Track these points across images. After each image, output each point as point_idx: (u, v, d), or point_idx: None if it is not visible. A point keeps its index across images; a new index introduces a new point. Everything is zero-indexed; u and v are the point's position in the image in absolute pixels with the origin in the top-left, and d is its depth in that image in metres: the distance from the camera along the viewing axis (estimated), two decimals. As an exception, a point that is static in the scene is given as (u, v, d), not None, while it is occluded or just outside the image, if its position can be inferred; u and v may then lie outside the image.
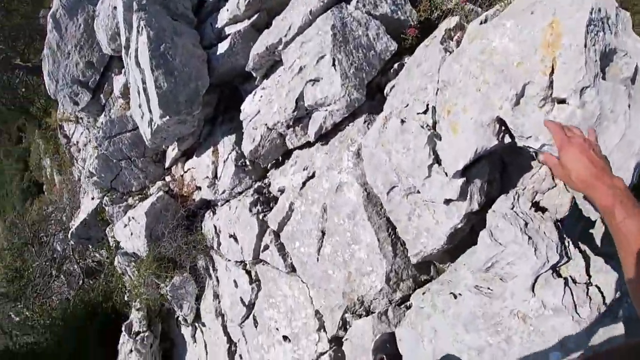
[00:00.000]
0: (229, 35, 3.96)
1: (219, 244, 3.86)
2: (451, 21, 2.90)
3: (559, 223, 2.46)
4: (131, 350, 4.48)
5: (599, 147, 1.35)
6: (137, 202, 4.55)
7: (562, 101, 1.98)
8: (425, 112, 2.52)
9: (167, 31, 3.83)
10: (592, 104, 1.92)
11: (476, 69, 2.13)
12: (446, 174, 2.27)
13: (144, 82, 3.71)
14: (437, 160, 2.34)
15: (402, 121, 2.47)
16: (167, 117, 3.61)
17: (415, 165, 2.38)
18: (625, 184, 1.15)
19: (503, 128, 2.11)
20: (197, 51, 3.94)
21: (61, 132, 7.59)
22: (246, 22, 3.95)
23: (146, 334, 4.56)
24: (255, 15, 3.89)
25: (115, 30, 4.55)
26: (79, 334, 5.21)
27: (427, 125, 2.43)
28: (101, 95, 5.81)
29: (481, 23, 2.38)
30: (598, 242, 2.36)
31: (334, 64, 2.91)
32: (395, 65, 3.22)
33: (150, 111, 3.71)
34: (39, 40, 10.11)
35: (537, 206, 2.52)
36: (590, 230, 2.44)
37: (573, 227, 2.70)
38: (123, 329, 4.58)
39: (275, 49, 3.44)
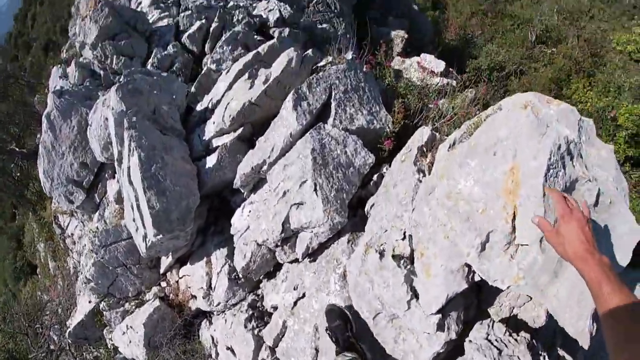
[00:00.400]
0: (216, 148, 4.21)
1: (217, 354, 3.92)
2: (423, 135, 3.13)
3: (534, 340, 2.60)
4: None
5: (590, 223, 1.45)
6: (133, 307, 4.62)
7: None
8: (403, 239, 2.71)
9: (157, 149, 4.06)
10: (552, 250, 2.10)
11: (444, 217, 2.32)
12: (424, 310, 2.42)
13: (137, 200, 3.89)
14: (416, 294, 2.49)
15: (381, 255, 2.64)
16: (161, 235, 3.76)
17: (395, 299, 2.53)
18: (610, 263, 1.26)
19: (472, 270, 2.29)
20: (187, 166, 4.16)
21: (56, 223, 7.72)
22: (232, 135, 4.21)
23: None
24: (240, 129, 4.15)
25: (107, 140, 4.80)
26: None
27: (404, 257, 2.61)
28: (95, 195, 6.00)
29: (449, 148, 2.60)
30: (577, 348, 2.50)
31: (315, 189, 3.12)
32: (375, 177, 3.44)
33: (144, 227, 3.86)
34: (34, 126, 10.41)
35: (515, 320, 2.67)
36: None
37: (551, 336, 2.85)
38: None
39: (260, 169, 3.67)
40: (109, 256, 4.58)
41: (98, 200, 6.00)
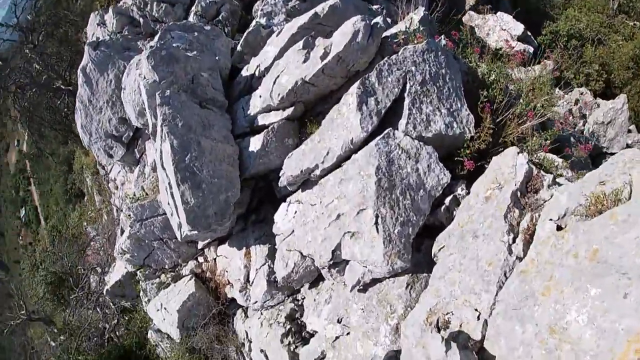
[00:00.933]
0: (262, 127, 3.63)
1: (250, 350, 3.69)
2: (517, 168, 2.42)
3: None
4: None
5: None
6: (169, 280, 4.44)
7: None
8: (476, 319, 2.13)
9: (194, 130, 3.53)
10: None
11: (540, 356, 1.69)
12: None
13: (170, 187, 3.46)
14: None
15: (447, 343, 2.04)
16: (196, 231, 3.37)
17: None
18: None
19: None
20: (228, 149, 3.62)
21: (100, 164, 7.60)
22: (280, 114, 3.58)
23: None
24: (291, 108, 3.51)
25: (142, 106, 4.28)
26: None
27: (472, 341, 2.05)
28: (135, 150, 5.66)
29: (559, 228, 1.93)
30: None
31: (376, 222, 2.54)
32: (447, 201, 2.77)
33: (178, 216, 3.47)
34: (79, 63, 10.08)
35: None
36: None
37: None
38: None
39: (310, 172, 3.09)
40: (145, 230, 4.30)
41: (138, 156, 5.67)
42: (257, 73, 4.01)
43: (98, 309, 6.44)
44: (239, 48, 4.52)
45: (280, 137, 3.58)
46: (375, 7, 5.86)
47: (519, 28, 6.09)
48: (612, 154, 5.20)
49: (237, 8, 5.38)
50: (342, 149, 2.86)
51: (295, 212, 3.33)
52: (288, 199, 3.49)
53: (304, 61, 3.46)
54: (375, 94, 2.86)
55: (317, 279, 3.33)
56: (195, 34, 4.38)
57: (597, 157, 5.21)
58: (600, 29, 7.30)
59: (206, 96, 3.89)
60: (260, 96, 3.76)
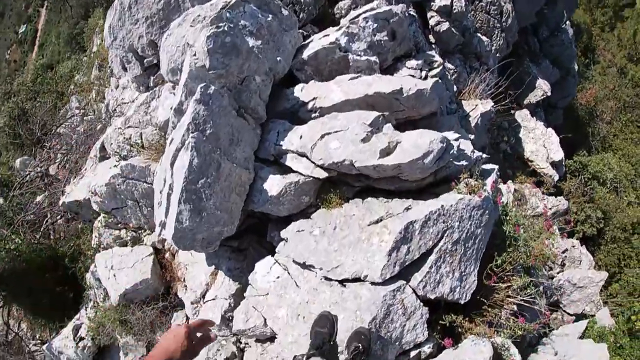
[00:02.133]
0: (287, 167, 3.29)
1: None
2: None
3: None
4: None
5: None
6: (128, 239, 4.15)
7: None
8: None
9: (220, 145, 3.13)
10: None
11: None
12: None
13: (168, 194, 3.10)
14: None
15: None
16: (175, 245, 3.09)
17: None
18: None
19: None
20: (244, 175, 3.26)
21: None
22: (312, 169, 3.24)
23: (88, 344, 4.48)
24: (327, 173, 3.18)
25: (178, 66, 3.71)
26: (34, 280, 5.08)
27: None
28: (152, 77, 5.05)
29: None
30: None
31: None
32: (411, 354, 2.69)
33: (164, 224, 3.16)
34: None
35: None
36: None
37: None
38: (71, 327, 4.48)
39: (309, 267, 2.86)
40: (124, 187, 3.93)
41: (152, 84, 5.09)
42: (310, 105, 3.55)
43: (47, 195, 6.02)
44: (304, 55, 3.95)
45: (299, 193, 3.27)
46: (449, 66, 5.35)
47: (558, 155, 5.84)
48: (566, 312, 5.33)
49: (321, -4, 4.67)
50: (352, 276, 2.64)
51: (278, 277, 3.13)
52: (276, 255, 3.27)
53: (363, 140, 3.08)
54: (411, 242, 2.61)
55: (269, 339, 3.23)
56: (270, 17, 3.76)
57: (551, 305, 5.32)
58: (623, 180, 7.21)
59: (248, 104, 3.42)
60: (301, 137, 3.36)
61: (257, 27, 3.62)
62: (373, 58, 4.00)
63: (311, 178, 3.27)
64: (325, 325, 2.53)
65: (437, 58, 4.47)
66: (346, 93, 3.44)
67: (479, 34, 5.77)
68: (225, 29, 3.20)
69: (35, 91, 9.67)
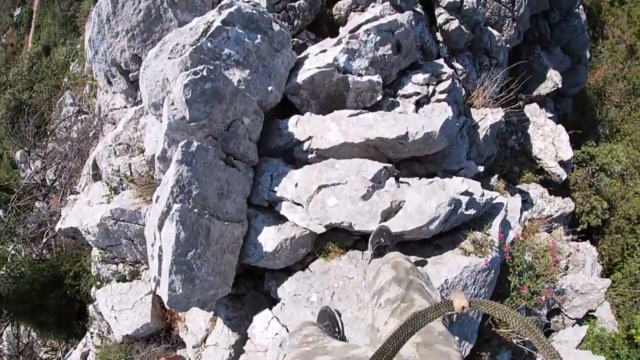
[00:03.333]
0: (282, 216, 2.84)
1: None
2: None
3: None
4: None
5: None
6: (126, 273, 3.81)
7: None
8: None
9: (208, 205, 2.67)
10: None
11: None
12: None
13: (160, 251, 2.69)
14: None
15: None
16: (175, 309, 2.74)
17: None
18: None
19: None
20: (237, 230, 2.83)
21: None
22: (307, 222, 2.80)
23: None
24: (324, 229, 2.73)
25: (159, 102, 3.15)
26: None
27: None
28: (139, 91, 4.45)
29: None
30: None
31: None
32: None
33: (159, 280, 2.77)
34: None
35: None
36: None
37: None
38: (79, 353, 4.29)
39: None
40: (116, 228, 3.52)
41: (140, 99, 4.50)
42: (305, 145, 3.03)
43: (45, 204, 5.62)
44: (299, 79, 3.33)
45: (296, 246, 2.85)
46: (458, 66, 4.67)
47: (567, 154, 5.28)
48: (567, 316, 5.06)
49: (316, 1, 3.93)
50: None
51: (276, 334, 2.79)
52: (273, 309, 2.91)
53: (363, 197, 2.60)
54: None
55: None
56: (258, 39, 3.14)
57: (551, 312, 5.05)
58: (630, 168, 6.64)
59: (237, 150, 2.91)
60: (297, 185, 2.88)
61: (244, 54, 3.02)
62: (375, 78, 3.39)
63: (308, 231, 2.83)
64: (325, 319, 2.36)
65: (446, 69, 3.83)
66: (345, 134, 2.90)
67: (489, 28, 5.00)
68: (205, 73, 2.61)
69: (31, 80, 8.99)
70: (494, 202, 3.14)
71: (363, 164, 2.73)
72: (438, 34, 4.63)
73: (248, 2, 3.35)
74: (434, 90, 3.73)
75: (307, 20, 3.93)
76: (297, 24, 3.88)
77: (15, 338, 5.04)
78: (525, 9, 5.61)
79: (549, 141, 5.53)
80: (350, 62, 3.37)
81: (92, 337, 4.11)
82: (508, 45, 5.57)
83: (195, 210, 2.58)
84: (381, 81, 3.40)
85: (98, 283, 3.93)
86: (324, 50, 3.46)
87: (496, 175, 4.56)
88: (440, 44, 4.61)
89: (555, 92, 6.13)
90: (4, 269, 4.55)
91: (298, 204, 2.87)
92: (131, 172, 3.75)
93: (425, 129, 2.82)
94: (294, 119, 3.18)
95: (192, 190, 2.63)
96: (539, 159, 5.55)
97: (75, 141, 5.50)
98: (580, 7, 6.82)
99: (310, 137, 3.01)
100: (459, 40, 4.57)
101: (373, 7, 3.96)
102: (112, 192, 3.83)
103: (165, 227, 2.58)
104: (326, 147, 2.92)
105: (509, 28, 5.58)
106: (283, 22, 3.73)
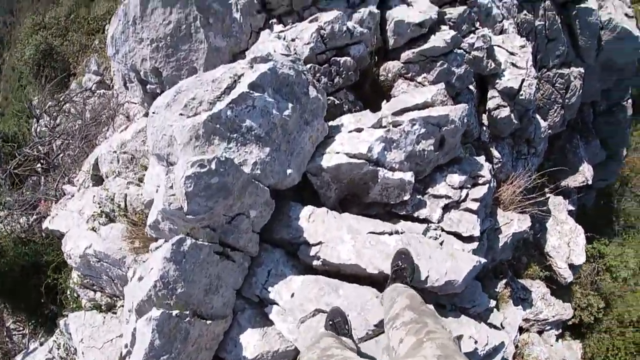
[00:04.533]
0: (270, 320, 2.32)
1: None
2: None
3: None
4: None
5: None
6: (103, 304, 3.33)
7: None
8: None
9: (191, 304, 2.16)
10: None
11: None
12: None
13: (133, 337, 2.20)
14: None
15: None
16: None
17: None
18: None
19: None
20: (218, 328, 2.31)
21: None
22: (294, 334, 2.28)
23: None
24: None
25: (164, 155, 2.52)
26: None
27: None
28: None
29: None
30: None
31: None
32: None
33: (131, 348, 2.30)
34: None
35: None
36: None
37: None
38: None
39: None
40: (99, 266, 3.04)
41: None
42: (313, 251, 2.46)
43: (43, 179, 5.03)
44: (324, 163, 2.67)
45: (277, 358, 2.34)
46: (496, 154, 4.02)
47: (579, 259, 4.75)
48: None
49: (364, 58, 3.23)
50: None
51: None
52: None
53: (361, 339, 2.07)
54: None
55: None
56: (289, 108, 2.51)
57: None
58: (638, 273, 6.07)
59: (236, 244, 2.35)
60: (293, 296, 2.35)
61: (267, 128, 2.40)
62: (408, 176, 2.78)
63: (294, 346, 2.32)
64: (337, 316, 2.11)
65: (485, 172, 3.20)
66: (358, 255, 2.33)
67: (537, 116, 4.29)
68: (213, 166, 2.01)
69: (66, 28, 8.25)
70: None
71: (370, 301, 2.18)
72: (484, 116, 3.95)
73: (287, 55, 2.68)
74: (467, 195, 3.12)
75: (350, 80, 3.24)
76: (338, 82, 3.20)
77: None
78: (577, 99, 4.89)
79: (565, 240, 4.95)
80: (386, 152, 2.75)
81: (57, 347, 3.68)
82: (550, 132, 4.89)
83: (176, 313, 2.06)
84: (413, 180, 2.80)
85: (74, 306, 3.47)
86: (360, 130, 2.84)
87: (503, 282, 4.00)
88: (484, 127, 3.94)
89: (584, 186, 5.49)
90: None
91: (290, 314, 2.35)
92: (125, 205, 3.20)
93: (447, 276, 2.27)
94: (307, 211, 2.59)
95: (177, 289, 2.11)
96: (550, 257, 5.00)
97: (86, 122, 4.91)
98: (629, 100, 6.06)
99: (320, 243, 2.44)
100: (504, 130, 3.90)
101: (424, 83, 3.27)
102: (104, 216, 3.28)
103: (142, 322, 2.06)
104: (334, 262, 2.36)
105: (555, 114, 4.89)
106: (323, 78, 3.07)
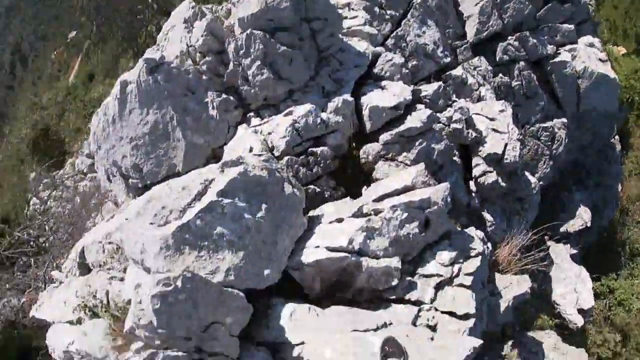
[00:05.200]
0: None
1: None
2: None
3: None
4: None
5: None
6: None
7: None
8: None
9: None
10: None
11: None
12: None
13: None
14: None
15: None
16: None
17: None
18: None
19: None
20: None
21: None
22: None
23: None
24: None
25: (139, 260, 2.40)
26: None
27: None
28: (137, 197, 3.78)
29: None
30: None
31: None
32: None
33: None
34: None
35: None
36: None
37: None
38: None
39: None
40: None
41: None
42: (295, 352, 2.24)
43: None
44: (304, 259, 2.52)
45: None
46: (488, 218, 3.86)
47: (587, 303, 4.48)
48: None
49: (345, 140, 3.18)
50: None
51: None
52: None
53: None
54: None
55: None
56: (262, 210, 2.41)
57: None
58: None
59: (212, 349, 2.13)
60: None
61: (240, 233, 2.29)
62: (394, 262, 2.62)
63: None
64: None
65: (477, 244, 3.04)
66: (342, 356, 2.11)
67: (525, 173, 4.18)
68: (179, 284, 1.89)
69: (63, 109, 8.52)
70: None
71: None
72: (472, 183, 3.84)
73: (260, 155, 2.63)
74: (460, 270, 2.92)
75: (329, 168, 3.16)
76: (317, 171, 3.11)
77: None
78: (564, 148, 4.82)
79: (571, 287, 4.68)
80: (368, 241, 2.61)
81: None
82: (541, 183, 4.75)
83: None
84: (399, 265, 2.63)
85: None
86: (340, 220, 2.71)
87: (510, 343, 3.69)
88: (473, 194, 3.82)
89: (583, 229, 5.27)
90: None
91: None
92: (108, 301, 3.02)
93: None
94: (288, 309, 2.41)
95: None
96: (558, 304, 4.70)
97: (76, 207, 4.85)
98: (616, 137, 5.98)
99: (303, 343, 2.23)
100: (492, 194, 3.78)
101: (405, 162, 3.19)
102: (87, 310, 3.10)
103: None
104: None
105: (545, 166, 4.79)
106: (301, 169, 2.98)
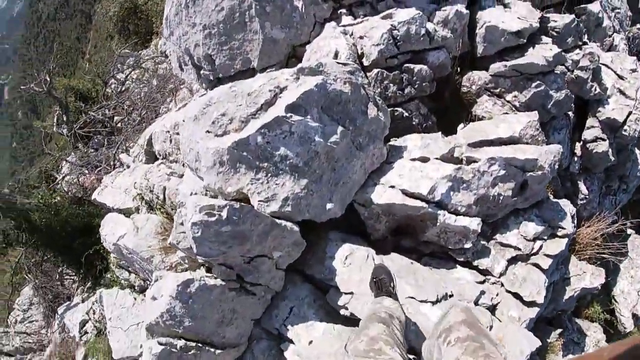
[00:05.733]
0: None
1: None
2: None
3: None
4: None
5: None
6: (136, 284, 3.20)
7: None
8: None
9: (199, 335, 1.84)
10: None
11: None
12: None
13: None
14: None
15: None
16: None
17: None
18: None
19: None
20: (228, 356, 2.03)
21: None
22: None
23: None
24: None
25: (193, 168, 2.13)
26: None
27: None
28: (208, 90, 3.43)
29: None
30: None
31: None
32: None
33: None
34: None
35: None
36: None
37: None
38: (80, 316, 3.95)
39: None
40: (130, 257, 2.84)
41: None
42: (341, 300, 1.97)
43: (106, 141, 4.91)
44: (375, 198, 2.08)
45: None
46: (583, 189, 3.13)
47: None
48: None
49: (449, 60, 2.47)
50: None
51: None
52: None
53: None
54: None
55: None
56: (338, 133, 1.94)
57: None
58: None
59: (256, 281, 1.94)
60: (311, 343, 1.94)
61: (306, 158, 1.87)
62: (474, 224, 2.14)
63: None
64: (381, 273, 1.90)
65: (567, 223, 2.44)
66: None
67: (636, 151, 3.21)
68: (224, 215, 1.57)
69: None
70: None
71: None
72: (578, 145, 3.02)
73: (345, 65, 2.05)
74: (540, 248, 2.40)
75: (424, 92, 2.51)
76: (409, 92, 2.49)
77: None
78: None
79: (636, 287, 3.99)
80: (452, 193, 2.11)
81: (93, 312, 3.75)
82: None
83: (180, 345, 1.77)
84: (479, 229, 2.15)
85: (113, 277, 3.41)
86: (425, 160, 2.19)
87: (558, 332, 3.28)
88: (576, 157, 3.03)
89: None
90: (39, 199, 4.14)
91: None
92: (164, 197, 2.93)
93: None
94: (345, 251, 2.08)
95: (184, 322, 1.79)
96: (616, 301, 4.08)
97: (152, 89, 4.68)
98: None
99: (352, 293, 1.96)
100: (598, 165, 2.97)
101: (513, 102, 2.44)
102: (143, 202, 3.07)
103: (147, 347, 1.80)
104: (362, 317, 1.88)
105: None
106: (391, 86, 2.38)
